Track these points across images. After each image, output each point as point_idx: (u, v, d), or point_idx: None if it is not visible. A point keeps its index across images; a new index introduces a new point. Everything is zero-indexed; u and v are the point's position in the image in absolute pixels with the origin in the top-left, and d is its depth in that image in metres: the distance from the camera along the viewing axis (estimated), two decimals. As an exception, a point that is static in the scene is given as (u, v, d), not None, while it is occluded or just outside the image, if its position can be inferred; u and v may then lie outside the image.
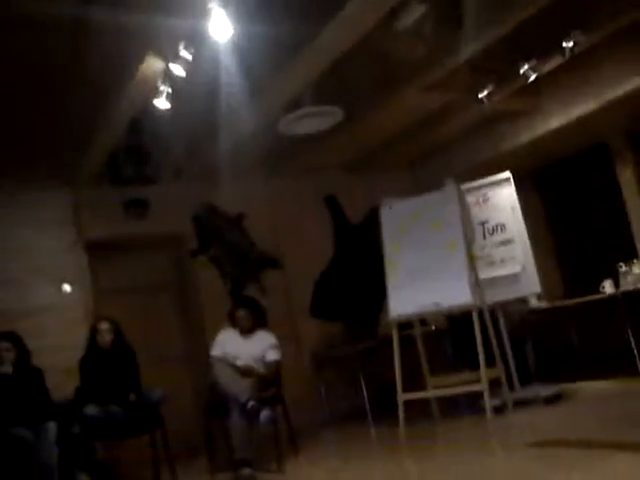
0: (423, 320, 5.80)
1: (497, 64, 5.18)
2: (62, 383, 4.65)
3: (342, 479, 3.80)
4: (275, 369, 4.81)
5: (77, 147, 5.31)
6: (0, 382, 4.29)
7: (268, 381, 4.69)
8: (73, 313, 5.44)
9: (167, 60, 3.93)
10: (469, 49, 4.53)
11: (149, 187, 5.96)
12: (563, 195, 7.23)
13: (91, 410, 4.30)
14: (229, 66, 4.27)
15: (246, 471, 4.12)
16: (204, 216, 6.30)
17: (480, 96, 5.27)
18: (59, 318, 5.37)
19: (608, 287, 5.87)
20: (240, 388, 4.33)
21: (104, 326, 4.70)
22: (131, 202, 5.98)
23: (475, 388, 4.55)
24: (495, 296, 5.30)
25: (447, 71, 4.84)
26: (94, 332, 4.70)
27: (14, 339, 4.45)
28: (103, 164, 5.57)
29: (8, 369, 4.36)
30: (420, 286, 4.98)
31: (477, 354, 4.54)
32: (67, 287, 5.53)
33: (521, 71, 4.94)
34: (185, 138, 5.72)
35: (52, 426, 4.10)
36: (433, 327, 6.18)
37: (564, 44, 4.58)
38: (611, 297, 5.71)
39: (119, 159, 5.72)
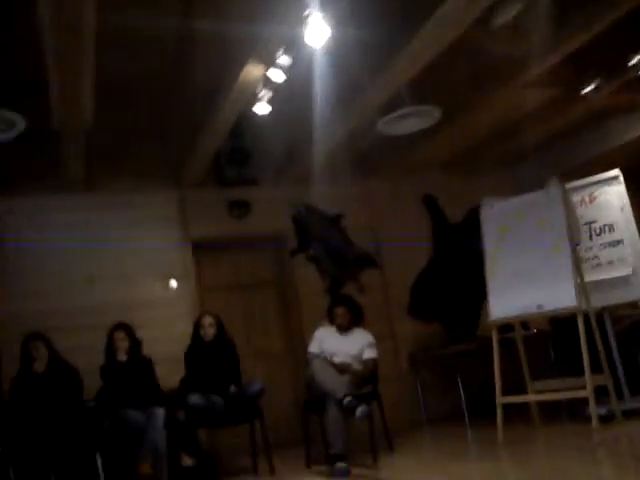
0: (524, 323, 5.63)
1: (604, 57, 4.96)
2: (169, 373, 4.89)
3: (436, 476, 3.77)
4: (372, 367, 4.84)
5: (184, 150, 5.60)
6: (115, 369, 4.60)
7: (365, 378, 4.72)
8: (179, 307, 5.70)
9: (267, 66, 4.06)
10: (571, 43, 4.37)
11: (251, 188, 6.17)
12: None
13: (194, 399, 4.51)
14: (326, 70, 4.36)
15: (341, 465, 4.17)
16: (303, 216, 6.43)
17: (586, 91, 5.07)
18: (166, 311, 5.65)
19: None
20: (337, 384, 4.38)
21: (207, 320, 4.91)
22: (234, 203, 6.21)
23: (580, 394, 4.35)
24: (603, 300, 5.06)
25: (549, 66, 4.69)
26: (198, 326, 4.92)
27: (127, 329, 4.75)
28: (208, 166, 5.82)
29: (122, 357, 4.66)
30: (522, 288, 4.83)
31: (581, 360, 4.35)
32: (174, 283, 5.82)
33: (630, 63, 4.70)
34: (284, 141, 5.89)
35: (161, 411, 4.34)
36: (535, 330, 5.98)
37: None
38: None
39: (222, 161, 5.98)
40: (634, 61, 4.65)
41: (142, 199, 5.87)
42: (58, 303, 5.32)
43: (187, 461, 4.37)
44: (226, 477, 4.69)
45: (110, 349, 4.67)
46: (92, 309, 5.38)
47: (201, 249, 6.05)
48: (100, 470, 4.27)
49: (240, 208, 6.25)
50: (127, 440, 4.24)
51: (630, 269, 5.14)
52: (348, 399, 4.25)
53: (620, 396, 4.85)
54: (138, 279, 5.70)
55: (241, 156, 5.99)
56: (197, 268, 6.01)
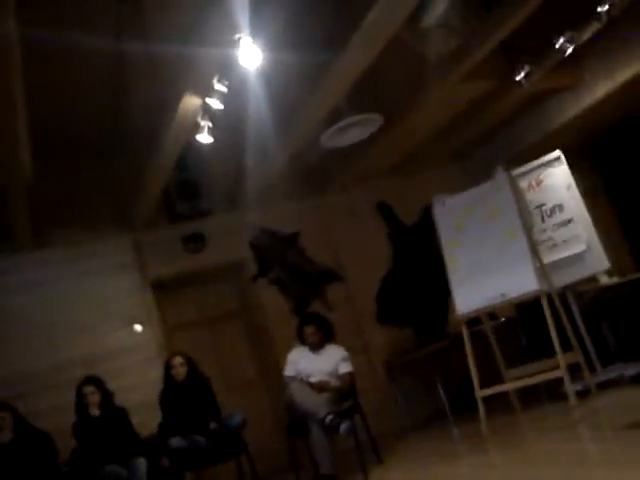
0: (492, 313, 5.69)
1: (531, 43, 5.08)
2: (145, 420, 4.79)
3: (429, 478, 3.76)
4: (349, 381, 4.82)
5: (131, 191, 5.52)
6: (89, 425, 4.47)
7: (344, 394, 4.69)
8: (146, 352, 5.60)
9: (204, 95, 4.04)
10: (499, 32, 4.47)
11: (204, 220, 6.11)
12: (620, 165, 6.98)
13: (176, 442, 4.42)
14: (263, 92, 4.37)
15: (332, 487, 4.14)
16: (261, 240, 6.40)
17: (518, 78, 5.17)
18: (134, 358, 5.54)
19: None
20: (317, 404, 4.35)
21: (177, 360, 4.83)
22: (188, 237, 6.14)
23: (554, 375, 4.41)
24: (563, 279, 5.16)
25: (480, 59, 4.78)
26: (168, 367, 4.84)
27: (97, 382, 4.63)
28: (158, 204, 5.74)
29: (95, 412, 4.54)
30: (484, 279, 4.89)
31: (551, 341, 4.41)
32: (138, 327, 5.71)
33: (557, 45, 4.81)
34: (231, 167, 5.87)
35: (142, 461, 4.24)
36: (503, 319, 6.05)
37: (599, 9, 4.44)
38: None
39: (172, 197, 5.90)
40: (560, 42, 4.76)
41: (95, 248, 5.76)
42: (21, 367, 5.16)
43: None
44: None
45: (81, 405, 4.54)
46: (57, 367, 5.24)
47: (162, 289, 5.97)
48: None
49: (195, 242, 6.18)
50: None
51: (584, 245, 5.25)
52: (330, 417, 4.23)
53: (592, 370, 4.93)
54: (101, 329, 5.58)
55: (190, 189, 5.93)
56: (160, 309, 5.91)
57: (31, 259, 5.54)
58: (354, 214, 6.68)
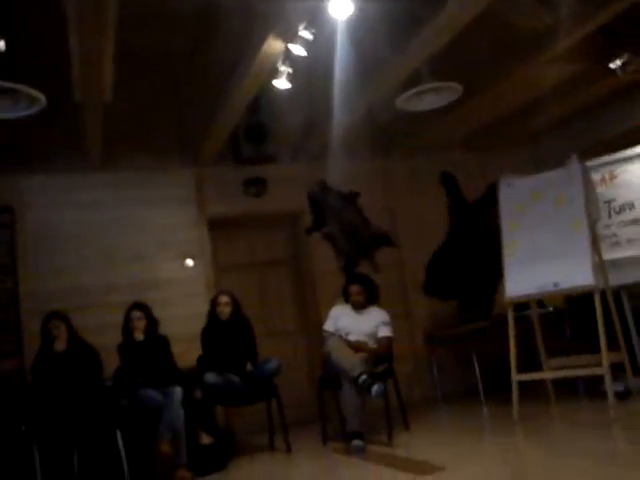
0: (540, 301, 5.60)
1: (634, 29, 4.82)
2: (185, 351, 4.94)
3: (452, 453, 3.79)
4: (387, 345, 4.85)
5: (201, 128, 5.58)
6: (132, 348, 4.63)
7: (380, 357, 4.73)
8: (195, 286, 5.74)
9: (288, 40, 4.01)
10: (602, 14, 4.25)
11: (267, 166, 6.15)
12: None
13: (211, 378, 4.56)
14: (347, 45, 4.30)
15: (358, 442, 4.22)
16: (319, 194, 6.42)
17: (613, 66, 4.95)
18: (182, 290, 5.69)
19: None
20: (352, 362, 4.40)
21: (223, 299, 4.93)
22: (250, 181, 6.20)
23: (595, 371, 4.34)
24: (621, 278, 5.03)
25: (575, 40, 4.58)
26: (214, 305, 4.94)
27: (145, 309, 4.77)
28: (225, 144, 5.80)
29: (140, 336, 4.69)
30: (539, 266, 4.80)
31: (598, 337, 4.33)
32: (190, 261, 5.84)
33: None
34: (302, 117, 5.85)
35: (178, 390, 4.37)
36: (551, 308, 5.95)
37: None
38: None
39: (240, 139, 5.95)
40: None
41: (159, 178, 5.89)
42: (77, 282, 5.38)
43: (205, 439, 4.43)
44: (243, 455, 4.75)
45: (127, 328, 4.70)
46: (109, 288, 5.44)
47: (217, 227, 6.07)
48: (121, 447, 4.33)
49: (257, 186, 6.25)
50: (145, 418, 4.29)
51: (650, 246, 5.08)
52: (363, 377, 4.27)
53: (637, 372, 4.83)
54: (155, 258, 5.73)
55: (259, 133, 5.95)
56: (213, 247, 6.02)
57: (97, 180, 5.70)
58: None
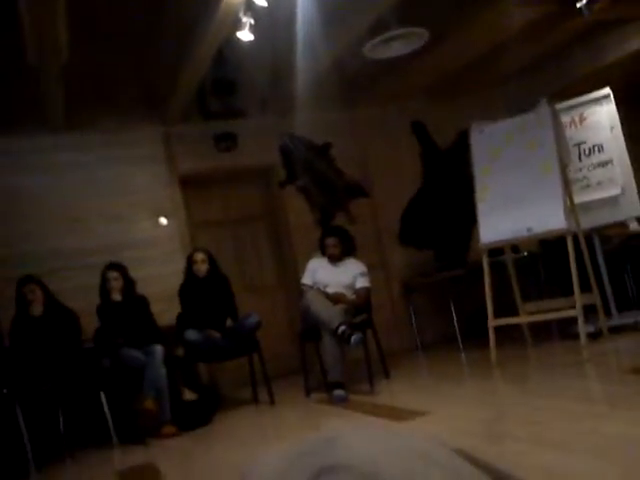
0: (515, 246, 5.68)
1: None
2: (164, 310, 4.94)
3: (433, 398, 3.89)
4: (365, 296, 4.91)
5: (167, 84, 5.44)
6: (111, 309, 4.63)
7: (358, 307, 4.79)
8: (170, 244, 5.69)
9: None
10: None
11: (237, 121, 6.05)
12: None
13: (192, 335, 4.58)
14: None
15: (339, 392, 4.30)
16: (291, 146, 6.35)
17: (579, 5, 4.90)
18: (158, 249, 5.64)
19: None
20: (331, 314, 4.45)
21: (199, 257, 4.93)
22: (220, 136, 6.10)
23: (569, 314, 4.45)
24: (592, 221, 5.11)
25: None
26: (190, 262, 4.93)
27: (121, 269, 4.75)
28: (192, 99, 5.67)
29: (117, 297, 4.68)
30: (512, 211, 4.84)
31: (571, 280, 4.42)
32: (164, 220, 5.78)
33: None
34: (269, 69, 5.73)
35: (159, 348, 4.40)
36: (525, 253, 6.05)
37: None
38: None
39: (206, 93, 5.82)
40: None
41: (126, 137, 5.75)
42: (49, 245, 5.29)
43: (189, 395, 4.48)
44: (227, 409, 4.81)
45: (104, 289, 4.68)
46: (83, 251, 5.37)
47: (189, 185, 6.00)
48: (105, 406, 4.35)
49: (227, 141, 6.15)
50: (128, 378, 4.32)
51: (619, 189, 5.16)
52: (343, 328, 4.33)
53: (608, 313, 4.96)
54: (127, 218, 5.66)
55: (225, 87, 5.82)
56: (186, 204, 5.96)
57: (62, 141, 5.54)
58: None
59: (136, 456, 3.91)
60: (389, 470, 0.51)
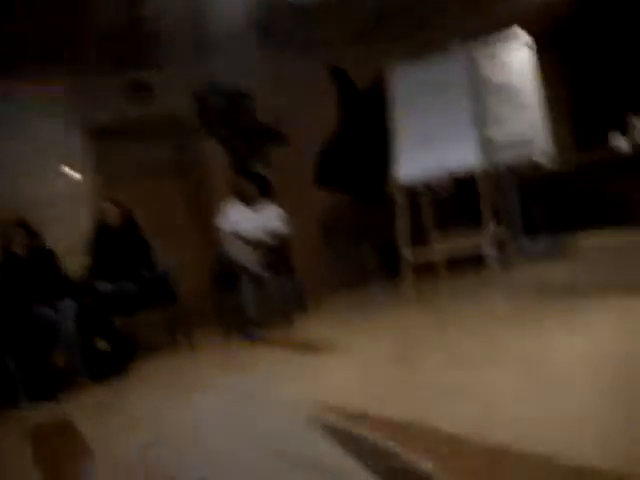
0: (429, 185, 5.73)
1: None
2: (75, 265, 4.76)
3: (348, 331, 3.94)
4: (283, 240, 4.87)
5: (76, 24, 5.11)
6: (16, 265, 4.41)
7: (276, 251, 4.76)
8: (81, 199, 5.48)
9: None
10: None
11: (150, 70, 5.81)
12: (583, 50, 6.86)
13: (104, 287, 4.45)
14: None
15: (255, 331, 4.30)
16: (206, 94, 6.19)
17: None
18: (68, 204, 5.42)
19: (621, 143, 5.71)
20: (249, 258, 4.41)
21: (110, 208, 4.76)
22: (133, 85, 5.86)
23: (478, 240, 4.56)
24: (504, 159, 5.21)
25: None
26: (102, 213, 4.76)
27: (23, 225, 4.53)
28: (103, 47, 5.38)
29: (22, 252, 4.47)
30: (427, 150, 4.91)
31: (483, 216, 4.51)
32: (74, 174, 5.53)
33: None
34: (187, 13, 5.50)
35: (70, 303, 4.25)
36: (439, 191, 6.12)
37: None
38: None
39: (119, 39, 5.53)
40: None
41: (32, 82, 5.41)
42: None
43: (101, 346, 4.35)
44: (146, 355, 4.73)
45: (7, 245, 4.45)
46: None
47: (100, 137, 5.74)
48: (15, 371, 4.17)
49: (140, 91, 5.92)
50: (39, 334, 4.15)
51: (530, 128, 5.26)
52: (261, 272, 4.30)
53: (518, 244, 5.12)
54: (35, 172, 5.40)
55: (139, 30, 5.56)
56: (97, 158, 5.71)
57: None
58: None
59: (49, 413, 3.78)
60: None
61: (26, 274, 4.39)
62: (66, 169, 5.51)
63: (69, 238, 5.06)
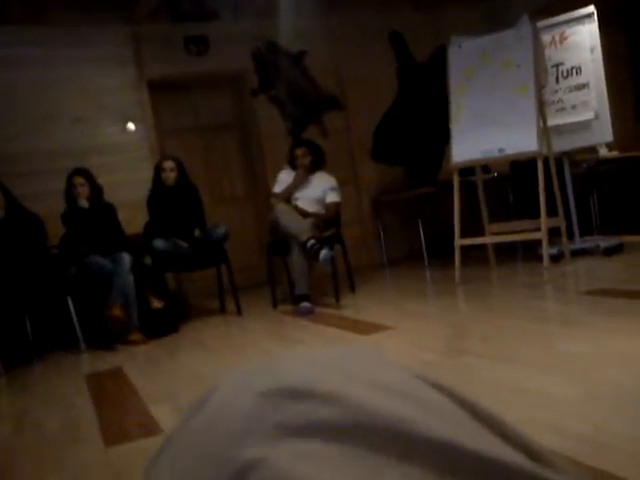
0: (486, 166, 5.69)
1: None
2: (131, 218, 4.89)
3: (396, 313, 3.99)
4: (334, 210, 4.92)
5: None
6: (78, 215, 4.55)
7: (327, 222, 4.80)
8: (138, 151, 5.56)
9: None
10: None
11: (209, 23, 5.80)
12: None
13: (159, 244, 4.56)
14: None
15: (306, 304, 4.39)
16: (265, 53, 6.14)
17: None
18: (125, 156, 5.51)
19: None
20: (300, 227, 4.46)
21: (168, 165, 4.82)
22: (191, 39, 5.86)
23: (533, 236, 4.54)
24: (563, 144, 5.12)
25: None
26: (159, 170, 4.83)
27: (87, 175, 4.64)
28: (161, -2, 5.40)
29: (84, 204, 4.59)
30: (485, 131, 4.82)
31: (538, 203, 4.48)
32: (132, 126, 5.61)
33: None
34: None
35: (126, 256, 4.39)
36: (495, 174, 6.08)
37: None
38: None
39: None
40: None
41: (93, 35, 5.47)
42: (10, 147, 5.11)
43: (156, 303, 4.51)
44: (194, 318, 4.88)
45: (70, 195, 4.58)
46: (48, 154, 5.22)
47: (158, 90, 5.79)
48: (73, 313, 4.37)
49: (198, 44, 5.92)
50: (95, 285, 4.32)
51: (592, 113, 5.14)
52: (311, 242, 4.35)
53: (571, 237, 5.07)
54: (94, 122, 5.47)
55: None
56: (155, 110, 5.78)
57: (25, 35, 5.25)
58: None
59: (103, 361, 3.98)
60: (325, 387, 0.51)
61: (87, 225, 4.54)
62: (125, 121, 5.58)
63: (125, 191, 5.18)
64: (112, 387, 3.33)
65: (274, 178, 5.08)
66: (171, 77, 5.79)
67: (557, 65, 5.33)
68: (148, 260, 4.61)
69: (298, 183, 4.85)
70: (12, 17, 5.07)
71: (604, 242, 4.95)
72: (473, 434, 0.54)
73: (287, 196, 4.83)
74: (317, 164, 5.00)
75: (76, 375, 3.71)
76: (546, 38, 5.23)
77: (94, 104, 5.45)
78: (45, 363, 4.27)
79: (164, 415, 2.63)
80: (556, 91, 5.30)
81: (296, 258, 4.46)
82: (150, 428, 2.51)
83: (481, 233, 5.05)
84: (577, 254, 4.95)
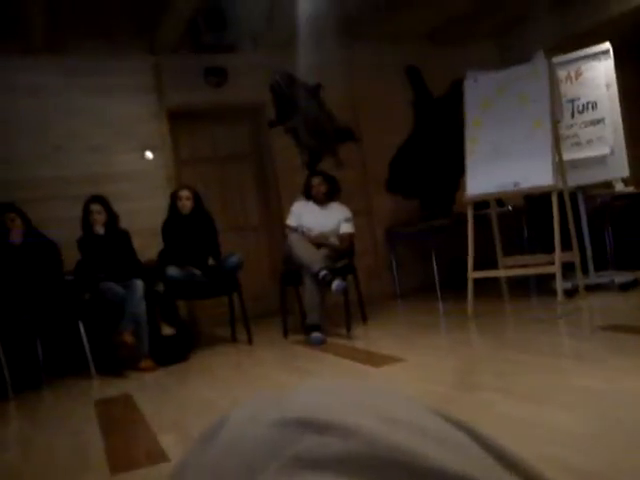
0: (500, 200, 5.69)
1: None
2: (146, 246, 4.93)
3: (408, 345, 3.96)
4: (348, 241, 4.92)
5: (158, 10, 5.26)
6: (93, 242, 4.59)
7: (341, 252, 4.81)
8: (155, 180, 5.62)
9: None
10: None
11: (228, 55, 5.91)
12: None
13: (173, 271, 4.59)
14: None
15: (317, 335, 4.37)
16: (282, 85, 6.23)
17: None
18: (142, 184, 5.57)
19: None
20: (313, 258, 4.47)
21: (184, 193, 4.87)
22: (210, 70, 5.96)
23: (547, 270, 4.51)
24: (578, 179, 5.11)
25: None
26: (175, 199, 4.89)
27: (103, 202, 4.70)
28: (183, 30, 5.51)
29: (100, 230, 4.64)
30: (500, 164, 4.83)
31: (552, 237, 4.46)
32: (149, 154, 5.69)
33: None
34: (264, 3, 5.56)
35: (139, 283, 4.42)
36: (510, 208, 6.07)
37: None
38: None
39: (199, 25, 5.66)
40: None
41: (113, 64, 5.58)
42: (29, 173, 5.19)
43: (167, 330, 4.51)
44: (205, 346, 4.87)
45: (87, 222, 4.64)
46: (65, 180, 5.29)
47: (177, 119, 5.88)
48: (84, 338, 4.39)
49: (217, 76, 6.02)
50: (108, 311, 4.34)
51: (608, 149, 5.14)
52: (324, 272, 4.35)
53: (585, 272, 5.03)
54: (112, 150, 5.55)
55: (219, 19, 5.67)
56: (173, 139, 5.86)
57: (45, 63, 5.35)
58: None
59: (113, 387, 3.97)
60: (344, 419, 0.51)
61: (102, 251, 4.58)
62: (143, 149, 5.65)
63: (141, 218, 5.22)
64: (121, 414, 3.33)
65: (288, 209, 5.10)
66: (190, 107, 5.88)
67: (572, 100, 5.35)
68: (160, 287, 4.63)
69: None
70: (34, 45, 5.18)
71: (619, 277, 4.91)
72: (488, 470, 0.54)
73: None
74: (332, 194, 5.03)
75: (85, 401, 3.70)
76: (562, 73, 5.27)
77: (112, 132, 5.54)
78: (54, 388, 4.28)
79: (172, 444, 2.62)
80: (571, 126, 5.31)
81: (308, 288, 4.46)
82: (157, 457, 2.49)
83: (495, 266, 5.02)
84: (592, 289, 4.90)
